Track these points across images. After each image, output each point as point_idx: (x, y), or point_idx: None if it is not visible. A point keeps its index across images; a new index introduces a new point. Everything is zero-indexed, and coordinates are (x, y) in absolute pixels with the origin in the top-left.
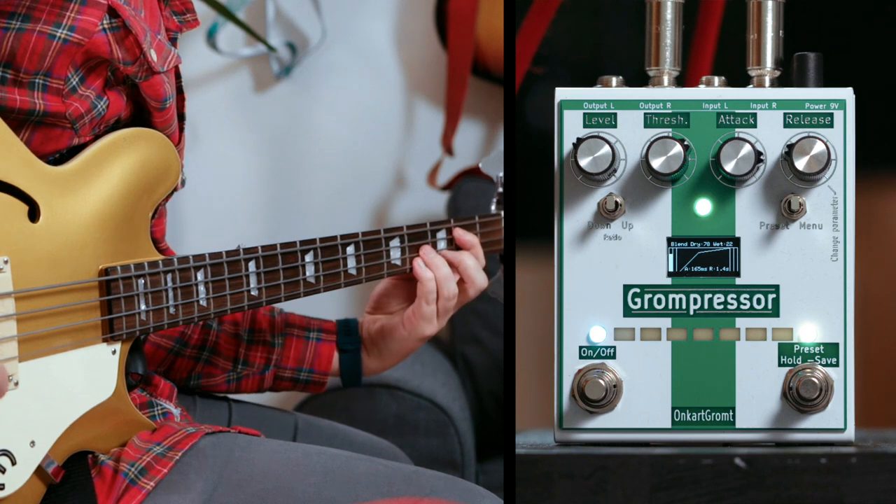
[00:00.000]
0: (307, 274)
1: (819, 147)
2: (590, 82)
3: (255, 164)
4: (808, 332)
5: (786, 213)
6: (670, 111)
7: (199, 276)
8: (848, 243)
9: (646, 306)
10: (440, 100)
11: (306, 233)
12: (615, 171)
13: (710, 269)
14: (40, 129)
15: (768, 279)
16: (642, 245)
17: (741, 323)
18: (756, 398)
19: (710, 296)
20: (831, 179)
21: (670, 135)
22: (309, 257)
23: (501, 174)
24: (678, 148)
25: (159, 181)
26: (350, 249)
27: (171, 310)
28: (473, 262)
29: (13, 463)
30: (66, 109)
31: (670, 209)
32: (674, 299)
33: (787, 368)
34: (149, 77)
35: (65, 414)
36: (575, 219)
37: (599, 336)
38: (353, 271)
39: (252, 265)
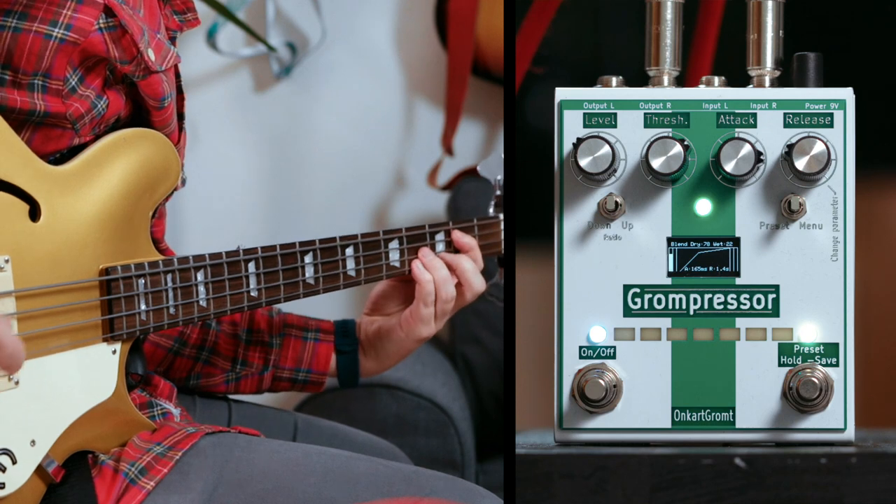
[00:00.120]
0: (306, 275)
1: (819, 147)
2: (590, 82)
3: (255, 164)
4: (808, 332)
5: (786, 213)
6: (670, 111)
7: (199, 276)
8: (848, 243)
9: (646, 306)
10: (440, 100)
11: (306, 233)
12: (615, 171)
13: (710, 269)
14: (41, 129)
15: (768, 279)
16: (642, 245)
17: (741, 323)
18: (756, 398)
19: (710, 296)
20: (831, 179)
21: (670, 135)
22: (308, 258)
23: (499, 177)
24: (678, 148)
25: (160, 181)
26: (349, 251)
27: (171, 310)
28: (471, 266)
29: (13, 462)
30: (67, 110)
31: (670, 209)
32: (674, 299)
33: (787, 368)
34: (146, 76)
35: (65, 413)
36: (575, 219)
37: (599, 336)
38: (353, 273)
39: (252, 266)
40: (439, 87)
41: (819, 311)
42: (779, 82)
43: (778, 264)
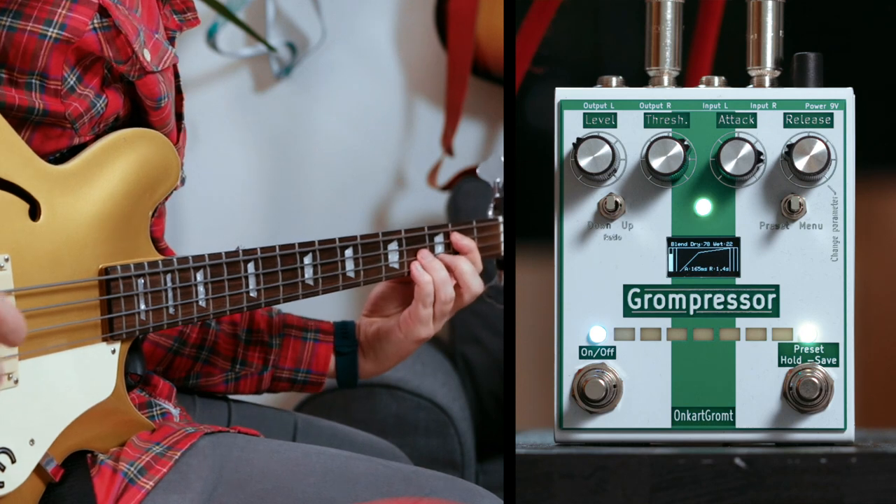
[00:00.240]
0: (306, 276)
1: (819, 147)
2: (590, 82)
3: (255, 164)
4: (808, 332)
5: (786, 213)
6: (670, 111)
7: (199, 276)
8: (848, 243)
9: (646, 306)
10: (440, 100)
11: (306, 233)
12: (615, 171)
13: (710, 269)
14: (40, 128)
15: (768, 279)
16: (642, 245)
17: (741, 323)
18: (756, 398)
19: (710, 296)
20: (831, 179)
21: (670, 135)
22: (307, 259)
23: (499, 179)
24: (678, 148)
25: (159, 181)
26: (348, 252)
27: (171, 310)
28: (469, 268)
29: (13, 461)
30: (66, 109)
31: (670, 209)
32: (674, 299)
33: (787, 368)
34: (142, 76)
35: (64, 413)
36: (575, 219)
37: (599, 336)
38: (352, 274)
39: (251, 266)
40: (439, 87)
41: (819, 311)
42: (779, 82)
43: (778, 264)
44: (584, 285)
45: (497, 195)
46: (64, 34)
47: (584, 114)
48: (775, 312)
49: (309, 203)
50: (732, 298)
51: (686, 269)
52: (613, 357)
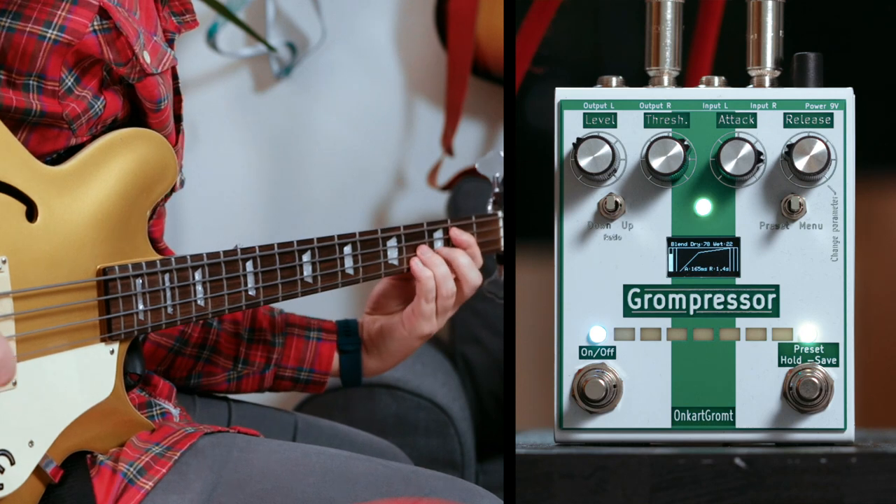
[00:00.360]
0: (305, 274)
1: (819, 147)
2: (590, 82)
3: (255, 164)
4: (808, 332)
5: (786, 213)
6: (670, 111)
7: (197, 275)
8: (848, 243)
9: (646, 306)
10: (440, 100)
11: (306, 233)
12: (615, 171)
13: (710, 269)
14: (37, 129)
15: (768, 279)
16: (642, 245)
17: (741, 323)
18: (756, 398)
19: (710, 296)
20: (831, 179)
21: (670, 135)
22: (306, 257)
23: (497, 174)
24: (678, 148)
25: (157, 181)
26: (347, 249)
27: (169, 310)
28: (467, 261)
29: (12, 463)
30: (63, 110)
31: (670, 209)
32: (674, 299)
33: (787, 368)
34: (142, 78)
35: (63, 414)
36: (575, 219)
37: (599, 336)
38: (351, 271)
39: (249, 265)
40: (439, 87)
41: (819, 311)
42: (779, 82)
43: (778, 264)
44: (584, 285)
45: (496, 190)
46: (64, 36)
47: (584, 114)
48: (775, 312)
49: (309, 203)
50: (732, 298)
51: (686, 269)
52: (613, 357)
